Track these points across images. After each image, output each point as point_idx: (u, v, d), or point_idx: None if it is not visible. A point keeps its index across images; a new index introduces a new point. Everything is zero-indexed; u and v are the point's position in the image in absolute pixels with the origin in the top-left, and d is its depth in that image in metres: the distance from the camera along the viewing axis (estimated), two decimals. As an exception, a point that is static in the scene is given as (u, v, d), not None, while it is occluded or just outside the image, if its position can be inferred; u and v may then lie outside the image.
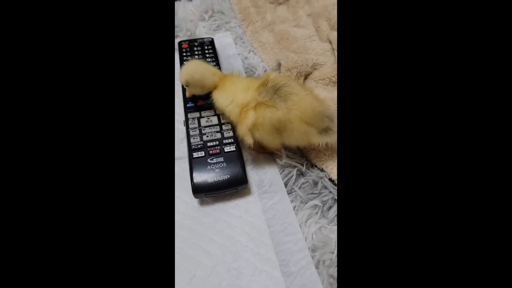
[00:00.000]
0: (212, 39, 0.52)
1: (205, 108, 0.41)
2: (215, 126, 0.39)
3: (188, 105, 0.41)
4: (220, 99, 0.37)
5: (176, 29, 0.55)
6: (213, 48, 0.50)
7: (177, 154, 0.40)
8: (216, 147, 0.36)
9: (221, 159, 0.35)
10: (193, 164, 0.35)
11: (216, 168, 0.35)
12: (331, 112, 0.34)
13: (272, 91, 0.34)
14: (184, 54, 0.49)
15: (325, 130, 0.34)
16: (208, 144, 0.37)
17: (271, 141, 0.35)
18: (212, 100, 0.38)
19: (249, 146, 0.36)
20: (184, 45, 0.51)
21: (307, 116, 0.33)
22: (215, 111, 0.40)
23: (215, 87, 0.38)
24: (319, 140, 0.34)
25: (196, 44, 0.51)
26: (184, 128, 0.42)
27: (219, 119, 0.39)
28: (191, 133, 0.38)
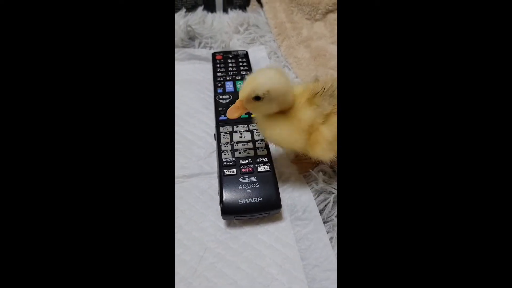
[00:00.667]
0: (247, 52, 0.51)
1: (238, 122, 0.38)
2: (248, 143, 0.36)
3: (220, 118, 0.39)
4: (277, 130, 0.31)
5: (210, 40, 0.54)
6: (248, 61, 0.49)
7: (205, 168, 0.37)
8: (249, 166, 0.34)
9: (253, 179, 0.33)
10: (224, 182, 0.33)
11: (248, 188, 0.32)
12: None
13: (329, 97, 0.31)
14: (218, 65, 0.48)
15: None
16: (241, 161, 0.34)
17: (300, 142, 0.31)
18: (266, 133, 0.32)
19: (330, 165, 0.33)
20: (218, 57, 0.50)
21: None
22: (248, 126, 0.38)
23: (290, 108, 0.31)
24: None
25: (231, 56, 0.50)
26: (213, 142, 0.40)
27: (252, 136, 0.37)
28: (223, 148, 0.36)
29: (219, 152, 0.35)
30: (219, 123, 0.39)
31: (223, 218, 0.32)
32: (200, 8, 0.59)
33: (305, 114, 0.31)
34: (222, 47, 0.54)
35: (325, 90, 0.31)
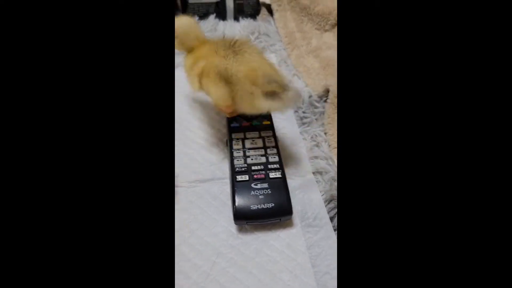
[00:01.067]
0: (258, 60, 0.52)
1: (250, 129, 0.39)
2: (260, 149, 0.37)
3: (232, 125, 0.40)
4: (187, 61, 0.38)
5: (222, 47, 0.55)
6: (259, 69, 0.50)
7: (217, 174, 0.38)
8: (261, 172, 0.34)
9: (265, 185, 0.33)
10: (236, 188, 0.33)
11: (260, 194, 0.33)
12: (283, 80, 0.33)
13: (229, 46, 0.34)
14: (230, 72, 0.49)
15: (271, 95, 0.32)
16: (253, 167, 0.35)
17: (218, 92, 0.34)
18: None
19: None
20: (229, 64, 0.50)
21: (254, 75, 0.32)
22: (259, 133, 0.39)
23: (190, 50, 0.38)
24: (262, 103, 0.32)
25: (242, 63, 0.51)
26: (225, 148, 0.40)
27: (264, 142, 0.38)
28: (235, 154, 0.36)
29: (232, 158, 0.36)
30: (231, 130, 0.39)
31: (235, 223, 0.33)
32: (212, 16, 0.60)
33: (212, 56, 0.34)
34: (233, 55, 0.55)
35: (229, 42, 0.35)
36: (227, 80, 0.33)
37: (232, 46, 0.34)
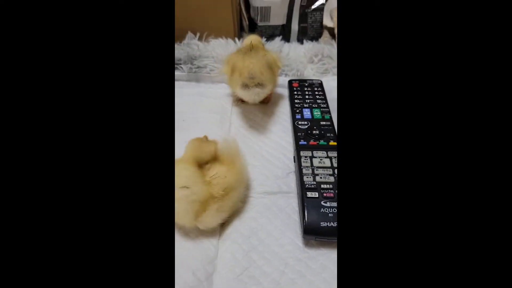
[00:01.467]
0: (321, 81, 0.54)
1: (317, 148, 0.41)
2: (328, 169, 0.38)
3: (300, 142, 0.42)
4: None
5: (286, 68, 0.58)
6: (323, 90, 0.52)
7: (283, 188, 0.40)
8: (330, 191, 0.36)
9: (334, 204, 0.35)
10: (306, 203, 0.35)
11: (330, 212, 0.34)
12: (262, 78, 0.44)
13: (249, 48, 0.46)
14: (295, 92, 0.51)
15: (246, 86, 0.44)
16: (322, 186, 0.36)
17: (229, 80, 0.47)
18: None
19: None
20: (294, 84, 0.53)
21: (243, 69, 0.44)
22: (327, 153, 0.40)
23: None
24: (238, 91, 0.46)
25: (306, 84, 0.53)
26: (290, 163, 0.42)
27: (331, 162, 0.39)
28: (304, 171, 0.38)
29: (301, 174, 0.38)
30: (298, 147, 0.41)
31: (304, 238, 0.34)
32: (278, 38, 0.64)
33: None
34: (297, 75, 0.58)
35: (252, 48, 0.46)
36: (232, 70, 0.45)
37: (250, 49, 0.46)
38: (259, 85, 0.44)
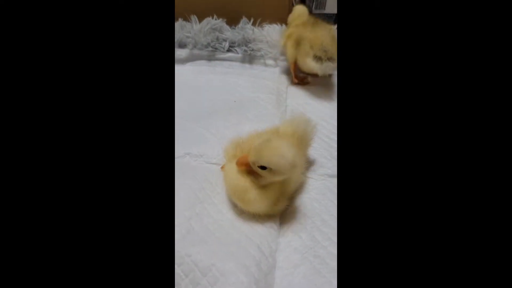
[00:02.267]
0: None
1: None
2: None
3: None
4: (287, 30, 0.51)
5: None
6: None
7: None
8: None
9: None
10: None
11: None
12: (333, 52, 0.43)
13: (312, 21, 0.48)
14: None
15: (319, 59, 0.44)
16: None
17: (289, 51, 0.48)
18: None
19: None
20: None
21: (314, 41, 0.44)
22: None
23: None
24: (309, 63, 0.45)
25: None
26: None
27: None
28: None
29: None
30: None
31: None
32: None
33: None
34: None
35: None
36: (297, 43, 0.45)
37: (314, 22, 0.47)
38: (332, 59, 0.43)
